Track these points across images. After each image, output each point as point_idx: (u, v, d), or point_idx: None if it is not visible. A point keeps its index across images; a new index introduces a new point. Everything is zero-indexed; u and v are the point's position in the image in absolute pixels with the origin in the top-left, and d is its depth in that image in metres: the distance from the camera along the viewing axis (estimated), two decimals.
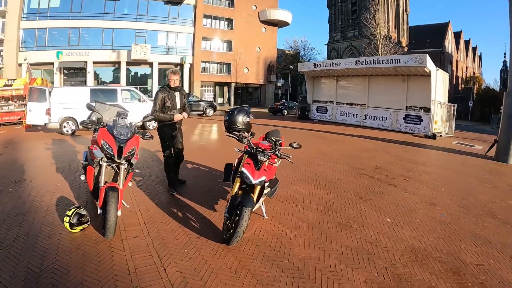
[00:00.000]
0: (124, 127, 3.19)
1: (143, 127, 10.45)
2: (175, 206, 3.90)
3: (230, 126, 3.19)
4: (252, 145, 2.97)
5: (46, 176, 5.11)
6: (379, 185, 5.11)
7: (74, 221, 3.09)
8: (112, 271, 2.50)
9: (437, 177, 5.90)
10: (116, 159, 3.00)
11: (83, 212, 3.18)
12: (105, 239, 2.95)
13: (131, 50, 27.68)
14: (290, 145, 3.09)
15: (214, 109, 20.34)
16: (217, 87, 35.42)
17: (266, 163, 2.97)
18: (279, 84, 39.49)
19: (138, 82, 30.54)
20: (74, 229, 3.10)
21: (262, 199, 3.13)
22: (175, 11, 30.71)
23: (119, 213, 3.03)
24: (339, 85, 16.70)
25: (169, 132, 4.26)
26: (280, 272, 2.50)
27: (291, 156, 3.08)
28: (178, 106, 4.23)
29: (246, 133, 3.11)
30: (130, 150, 3.13)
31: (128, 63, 28.63)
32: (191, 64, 31.73)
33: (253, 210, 3.04)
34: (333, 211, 3.86)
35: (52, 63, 26.50)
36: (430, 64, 12.00)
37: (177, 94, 4.21)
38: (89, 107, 3.49)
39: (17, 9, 25.40)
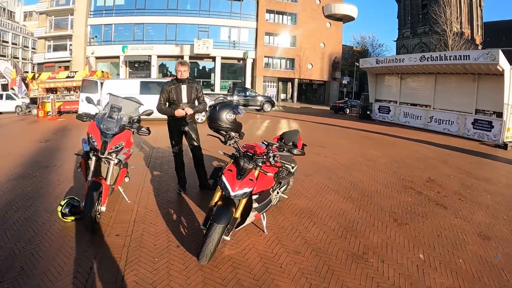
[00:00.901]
0: (112, 121, 3.26)
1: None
2: (175, 206, 3.89)
3: (212, 124, 2.96)
4: (240, 148, 2.73)
5: (73, 164, 5.60)
6: (425, 205, 4.35)
7: (66, 211, 3.27)
8: (77, 267, 2.54)
9: (501, 200, 4.80)
10: (99, 154, 3.07)
11: (77, 203, 3.35)
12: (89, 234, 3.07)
13: (193, 44, 29.51)
14: (288, 150, 2.77)
15: (272, 104, 20.58)
16: (280, 83, 35.94)
17: (256, 172, 2.70)
18: (344, 82, 38.58)
19: (202, 76, 32.48)
20: (66, 219, 3.28)
21: (252, 215, 2.81)
22: (238, 6, 31.92)
23: (103, 208, 3.12)
24: (403, 84, 15.65)
25: (176, 128, 4.23)
26: None
27: (292, 165, 2.76)
28: (184, 100, 4.11)
29: (233, 133, 2.85)
30: (117, 145, 3.19)
31: (191, 57, 30.56)
32: (253, 59, 32.68)
33: (238, 228, 2.82)
34: (353, 235, 3.35)
35: (118, 57, 29.81)
36: (503, 62, 10.34)
37: (183, 87, 4.10)
38: (88, 100, 3.65)
39: (84, 7, 29.37)
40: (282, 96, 36.57)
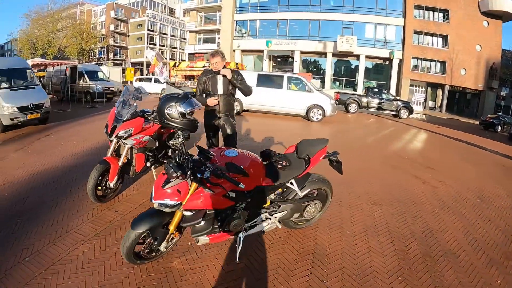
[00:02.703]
0: (126, 108, 3.56)
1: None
2: None
3: (161, 120, 2.70)
4: (183, 150, 2.47)
5: None
6: None
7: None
8: (68, 221, 3.29)
9: None
10: (108, 136, 3.43)
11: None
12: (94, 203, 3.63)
13: (337, 41, 28.64)
14: (237, 170, 2.30)
15: (410, 111, 17.67)
16: (429, 88, 30.97)
17: (192, 186, 2.30)
18: (503, 93, 29.59)
19: (346, 74, 31.67)
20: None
21: (203, 233, 2.46)
22: (383, 1, 28.91)
23: (111, 184, 3.55)
24: None
25: (209, 121, 4.07)
26: None
27: (238, 187, 2.28)
28: (220, 91, 3.89)
29: (179, 131, 2.55)
30: (125, 131, 3.46)
31: (334, 55, 30.02)
32: (400, 60, 29.26)
33: (164, 250, 2.59)
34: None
35: (262, 51, 31.87)
36: None
37: (219, 77, 3.87)
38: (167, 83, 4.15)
39: (230, 4, 32.55)
40: (430, 103, 31.19)
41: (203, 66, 17.65)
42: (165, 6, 58.21)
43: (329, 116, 11.84)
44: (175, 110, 2.70)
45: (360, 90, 27.30)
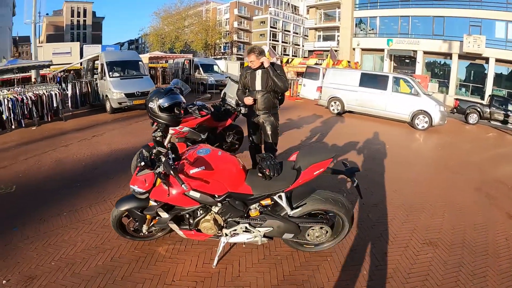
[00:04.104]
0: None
1: None
2: None
3: (151, 115, 2.76)
4: (160, 143, 2.52)
5: None
6: None
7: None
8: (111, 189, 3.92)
9: None
10: (151, 124, 3.82)
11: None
12: None
13: (463, 41, 24.16)
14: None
15: None
16: None
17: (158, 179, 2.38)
18: None
19: (474, 79, 26.74)
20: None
21: (170, 227, 2.57)
22: None
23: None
24: None
25: (250, 119, 3.92)
26: None
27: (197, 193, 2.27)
28: (258, 88, 3.69)
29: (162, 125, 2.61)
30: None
31: (460, 56, 25.50)
32: None
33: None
34: None
35: (382, 50, 29.26)
36: None
37: (258, 73, 3.66)
38: (175, 82, 4.45)
39: (350, 0, 30.42)
40: None
41: (315, 63, 17.43)
42: (288, 4, 59.68)
43: (437, 125, 9.86)
44: (155, 104, 2.80)
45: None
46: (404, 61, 29.77)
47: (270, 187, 2.49)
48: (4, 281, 2.41)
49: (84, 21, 58.58)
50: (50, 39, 46.53)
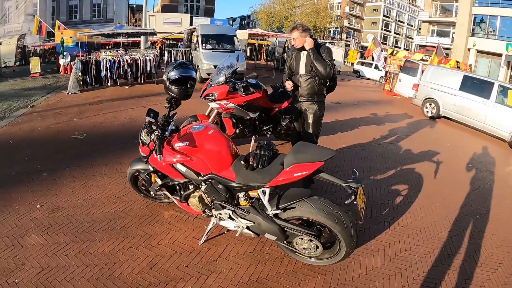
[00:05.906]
0: (217, 77, 4.14)
1: None
2: None
3: (164, 87, 2.78)
4: (168, 116, 2.63)
5: None
6: None
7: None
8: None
9: None
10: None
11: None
12: None
13: None
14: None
15: None
16: None
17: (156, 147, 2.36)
18: None
19: None
20: None
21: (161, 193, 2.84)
22: None
23: None
24: None
25: (295, 105, 3.69)
26: None
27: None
28: (302, 71, 3.39)
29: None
30: (210, 94, 4.07)
31: None
32: None
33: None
34: None
35: (500, 55, 24.44)
36: None
37: (302, 54, 3.36)
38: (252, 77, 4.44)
39: None
40: None
41: (420, 59, 15.68)
42: None
43: None
44: (166, 76, 2.77)
45: None
46: None
47: (251, 179, 2.33)
48: (38, 205, 3.05)
49: None
50: (165, 9, 50.77)
